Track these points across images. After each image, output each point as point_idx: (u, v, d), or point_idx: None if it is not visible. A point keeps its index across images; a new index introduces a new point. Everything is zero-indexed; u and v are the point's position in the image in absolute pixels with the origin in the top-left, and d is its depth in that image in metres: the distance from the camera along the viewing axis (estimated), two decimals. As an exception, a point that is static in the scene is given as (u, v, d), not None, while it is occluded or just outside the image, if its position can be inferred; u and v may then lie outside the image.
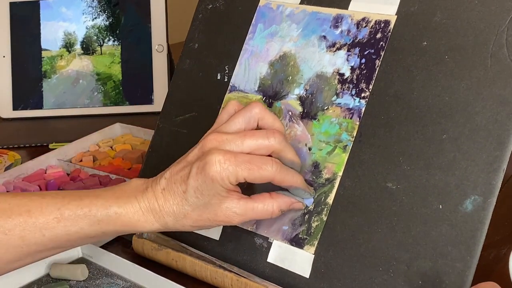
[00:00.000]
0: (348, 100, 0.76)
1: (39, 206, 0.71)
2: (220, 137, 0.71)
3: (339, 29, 0.79)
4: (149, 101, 1.35)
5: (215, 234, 0.81)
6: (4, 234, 0.70)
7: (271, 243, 0.77)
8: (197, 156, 0.72)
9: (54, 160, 1.10)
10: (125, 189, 0.74)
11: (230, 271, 0.77)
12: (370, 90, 0.75)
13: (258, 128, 0.74)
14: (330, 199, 0.74)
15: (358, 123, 0.75)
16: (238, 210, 0.71)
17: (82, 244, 0.76)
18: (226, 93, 0.86)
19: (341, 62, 0.78)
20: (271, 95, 0.82)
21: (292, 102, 0.80)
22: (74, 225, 0.71)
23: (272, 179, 0.71)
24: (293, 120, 0.79)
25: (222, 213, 0.71)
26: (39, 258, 0.74)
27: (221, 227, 0.81)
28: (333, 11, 0.80)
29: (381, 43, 0.76)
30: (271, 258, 0.77)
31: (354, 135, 0.75)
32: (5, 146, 1.23)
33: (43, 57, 1.38)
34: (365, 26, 0.78)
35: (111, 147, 1.16)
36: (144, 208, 0.72)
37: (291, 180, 0.72)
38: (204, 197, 0.70)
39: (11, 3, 1.38)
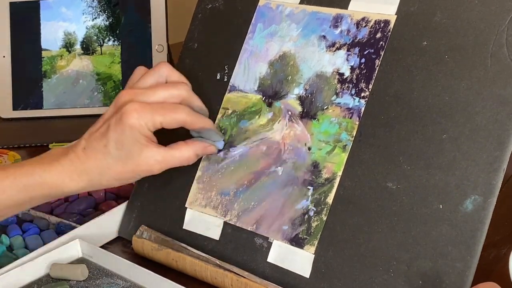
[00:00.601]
0: (348, 99, 0.76)
1: None
2: (133, 91, 0.77)
3: (339, 29, 0.79)
4: (149, 101, 1.34)
5: (215, 234, 0.81)
6: None
7: (271, 243, 0.77)
8: (112, 112, 0.77)
9: (54, 160, 1.10)
10: (47, 155, 0.78)
11: (230, 271, 0.77)
12: (370, 90, 0.75)
13: None
14: (330, 199, 0.74)
15: (357, 122, 0.75)
16: (158, 157, 0.76)
17: (12, 214, 0.80)
18: (226, 93, 0.86)
19: (341, 62, 0.78)
20: (270, 95, 0.82)
21: (291, 101, 0.80)
22: (1, 193, 0.75)
23: (185, 121, 0.77)
24: (293, 120, 0.79)
25: (144, 162, 0.76)
26: None
27: (221, 227, 0.81)
28: (333, 11, 0.80)
29: (381, 43, 0.76)
30: (271, 258, 0.77)
31: (354, 135, 0.75)
32: (5, 146, 1.23)
33: (43, 57, 1.38)
34: (364, 26, 0.78)
35: (111, 147, 1.16)
36: (68, 169, 0.76)
37: (202, 122, 0.79)
38: (125, 147, 0.75)
39: (11, 3, 1.37)
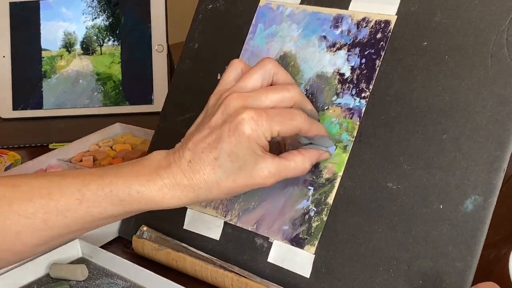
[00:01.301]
0: (349, 100, 0.76)
1: (59, 188, 0.69)
2: (243, 96, 0.70)
3: (339, 29, 0.79)
4: (149, 101, 1.35)
5: (215, 234, 0.81)
6: (27, 218, 0.68)
7: (272, 243, 0.77)
8: (223, 119, 0.69)
9: (54, 160, 1.10)
10: (146, 165, 0.71)
11: (231, 271, 0.77)
12: (371, 90, 0.75)
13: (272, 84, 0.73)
14: (331, 199, 0.75)
15: (358, 123, 0.75)
16: (272, 169, 0.69)
17: (106, 224, 0.73)
18: (226, 93, 0.86)
19: (342, 62, 0.78)
20: (271, 95, 0.82)
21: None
22: (97, 206, 0.69)
23: (301, 129, 0.71)
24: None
25: (257, 174, 0.69)
26: (65, 240, 0.73)
27: (221, 227, 0.81)
28: (333, 11, 0.80)
29: (382, 43, 0.76)
30: (272, 258, 0.77)
31: (354, 135, 0.75)
32: (5, 146, 1.23)
33: (43, 57, 1.38)
34: (365, 26, 0.78)
35: (111, 147, 1.16)
36: (169, 184, 0.69)
37: (317, 128, 0.73)
38: (239, 160, 0.68)
39: (11, 3, 1.37)
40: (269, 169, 0.69)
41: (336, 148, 0.76)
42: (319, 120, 0.77)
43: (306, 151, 0.73)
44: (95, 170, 0.72)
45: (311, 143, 0.75)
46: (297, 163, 0.72)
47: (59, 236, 0.71)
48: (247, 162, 0.68)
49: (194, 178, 0.69)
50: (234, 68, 0.74)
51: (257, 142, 0.68)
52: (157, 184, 0.69)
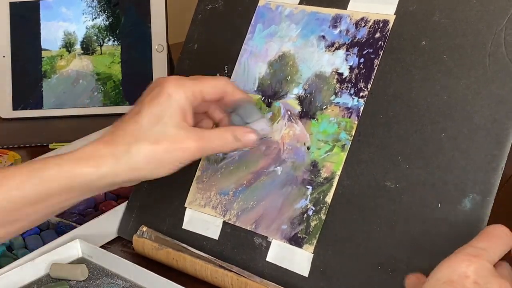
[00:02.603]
0: (347, 99, 0.77)
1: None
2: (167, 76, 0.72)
3: (338, 29, 0.79)
4: (149, 101, 1.35)
5: (214, 233, 0.81)
6: None
7: (270, 242, 0.77)
8: (149, 91, 0.71)
9: (54, 160, 1.10)
10: (69, 152, 0.70)
11: (230, 270, 0.77)
12: (369, 90, 0.75)
13: None
14: (329, 198, 0.75)
15: (356, 122, 0.75)
16: (193, 135, 0.69)
17: (29, 217, 0.70)
18: (226, 93, 0.86)
19: (340, 62, 0.78)
20: (270, 94, 0.82)
21: (291, 101, 0.80)
22: (17, 189, 0.67)
23: (225, 89, 0.72)
24: (292, 120, 0.80)
25: (179, 138, 0.69)
26: None
27: (220, 226, 0.81)
28: (332, 11, 0.81)
29: (380, 42, 0.76)
30: (270, 257, 0.77)
31: (353, 134, 0.75)
32: (5, 146, 1.23)
33: (43, 57, 1.38)
34: (364, 26, 0.78)
35: (111, 147, 1.16)
36: (89, 154, 0.68)
37: (243, 93, 0.74)
38: (160, 121, 0.68)
39: (11, 3, 1.38)
40: (190, 135, 0.69)
41: (270, 124, 0.78)
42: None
43: (231, 126, 0.74)
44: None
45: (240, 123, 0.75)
46: (220, 132, 0.72)
47: None
48: (167, 125, 0.68)
49: (114, 144, 0.68)
50: None
51: (178, 103, 0.69)
52: (75, 156, 0.68)
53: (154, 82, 0.72)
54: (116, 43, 1.37)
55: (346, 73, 0.77)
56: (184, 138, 0.69)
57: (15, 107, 1.36)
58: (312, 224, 0.75)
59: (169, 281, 0.75)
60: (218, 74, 0.87)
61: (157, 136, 0.68)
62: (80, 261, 0.84)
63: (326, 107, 0.78)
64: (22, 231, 0.74)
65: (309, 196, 0.76)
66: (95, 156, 0.68)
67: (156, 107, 0.69)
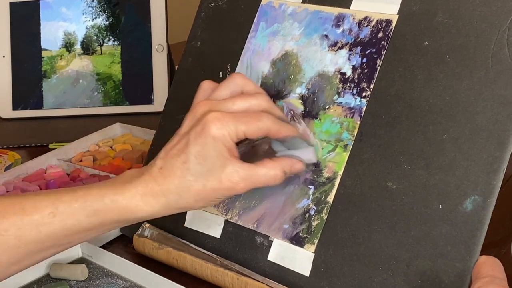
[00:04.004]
0: (349, 99, 0.77)
1: (33, 203, 0.69)
2: (210, 102, 0.71)
3: (341, 28, 0.79)
4: (149, 101, 1.35)
5: (216, 232, 0.81)
6: (0, 235, 0.68)
7: (272, 241, 0.77)
8: (191, 125, 0.71)
9: (54, 160, 1.11)
10: (120, 178, 0.72)
11: (231, 269, 0.77)
12: (371, 90, 0.75)
13: None
14: (331, 198, 0.75)
15: (359, 122, 0.75)
16: (242, 173, 0.69)
17: (81, 241, 0.73)
18: (228, 92, 0.86)
19: (343, 61, 0.78)
20: (273, 94, 0.82)
21: (294, 101, 0.80)
22: (71, 218, 0.69)
23: (269, 130, 0.71)
24: (295, 119, 0.80)
25: (227, 178, 0.69)
26: (38, 259, 0.72)
27: (222, 225, 0.81)
28: (335, 10, 0.81)
29: (383, 42, 0.76)
30: (272, 256, 0.77)
31: (355, 134, 0.75)
32: (5, 146, 1.23)
33: (43, 57, 1.38)
34: (366, 26, 0.78)
35: (111, 147, 1.16)
36: (142, 191, 0.70)
37: (287, 129, 0.73)
38: (207, 162, 0.69)
39: (11, 3, 1.38)
40: (238, 173, 0.69)
41: (315, 152, 0.76)
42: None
43: (278, 158, 0.73)
44: (68, 188, 0.73)
45: (286, 153, 0.75)
46: (268, 169, 0.71)
47: (33, 254, 0.70)
48: (215, 165, 0.69)
49: (164, 183, 0.70)
50: (203, 89, 0.76)
51: (224, 143, 0.68)
52: (130, 192, 0.70)
53: (194, 111, 0.72)
54: (116, 43, 1.37)
55: (348, 72, 0.77)
56: (231, 178, 0.69)
57: (15, 107, 1.36)
58: (314, 223, 0.75)
59: (169, 280, 0.75)
60: (221, 73, 0.87)
61: (205, 177, 0.69)
62: (80, 261, 0.84)
63: (329, 107, 0.78)
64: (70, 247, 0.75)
65: (311, 195, 0.76)
66: (148, 195, 0.70)
67: (201, 147, 0.69)
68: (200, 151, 0.68)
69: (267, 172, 0.71)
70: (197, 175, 0.69)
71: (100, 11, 1.37)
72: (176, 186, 0.69)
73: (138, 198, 0.69)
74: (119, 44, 1.37)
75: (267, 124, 0.71)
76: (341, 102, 0.77)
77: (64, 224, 0.69)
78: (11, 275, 0.72)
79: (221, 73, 0.87)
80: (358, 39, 0.78)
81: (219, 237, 0.81)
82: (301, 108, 0.80)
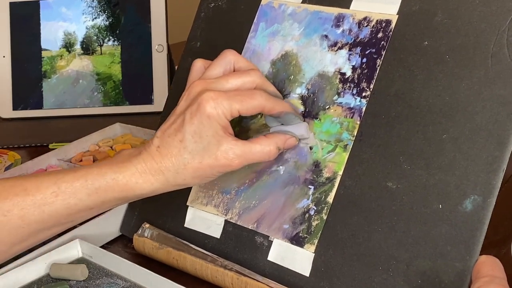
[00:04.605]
0: (349, 99, 0.77)
1: (35, 184, 0.71)
2: (205, 81, 0.74)
3: (341, 29, 0.79)
4: (149, 101, 1.35)
5: (216, 232, 0.81)
6: (3, 216, 0.70)
7: (272, 241, 0.77)
8: (186, 104, 0.73)
9: (54, 160, 1.10)
10: (118, 158, 0.74)
11: (231, 269, 0.77)
12: (371, 90, 0.75)
13: None
14: (331, 198, 0.75)
15: (359, 122, 0.75)
16: (237, 150, 0.72)
17: (82, 219, 0.76)
18: (227, 92, 0.86)
19: (343, 62, 0.78)
20: (272, 94, 0.82)
21: (294, 101, 0.80)
22: (73, 197, 0.71)
23: (263, 107, 0.73)
24: (294, 119, 0.80)
25: (222, 155, 0.71)
26: (41, 238, 0.74)
27: (222, 225, 0.81)
28: (335, 10, 0.81)
29: (382, 42, 0.76)
30: (272, 256, 0.77)
31: (355, 135, 0.75)
32: (5, 146, 1.23)
33: (43, 57, 1.38)
34: (366, 26, 0.78)
35: (111, 147, 1.16)
36: (141, 169, 0.72)
37: (280, 106, 0.75)
38: (203, 140, 0.71)
39: (11, 3, 1.38)
40: (234, 151, 0.72)
41: (307, 127, 0.78)
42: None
43: (271, 135, 0.75)
44: (69, 169, 0.75)
45: (279, 129, 0.77)
46: (262, 145, 0.73)
47: (36, 232, 0.72)
48: (210, 143, 0.71)
49: (162, 161, 0.72)
50: (195, 69, 0.78)
51: (218, 122, 0.71)
52: (130, 170, 0.72)
53: (189, 91, 0.74)
54: (116, 43, 1.37)
55: (348, 73, 0.77)
56: (226, 155, 0.72)
57: (15, 107, 1.36)
58: (314, 224, 0.75)
59: (169, 281, 0.75)
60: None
61: (201, 154, 0.72)
62: (80, 261, 0.83)
63: (329, 107, 0.78)
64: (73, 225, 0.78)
65: (311, 196, 0.76)
66: (147, 172, 0.72)
67: (197, 126, 0.71)
68: (196, 130, 0.71)
69: (261, 148, 0.73)
70: (193, 153, 0.71)
71: (100, 11, 1.37)
72: (174, 163, 0.72)
73: (138, 176, 0.72)
74: (119, 44, 1.37)
75: (261, 102, 0.73)
76: (341, 102, 0.77)
77: (66, 203, 0.71)
78: (13, 255, 0.74)
79: (220, 73, 0.87)
80: (358, 39, 0.78)
81: (219, 237, 0.81)
82: (301, 108, 0.80)
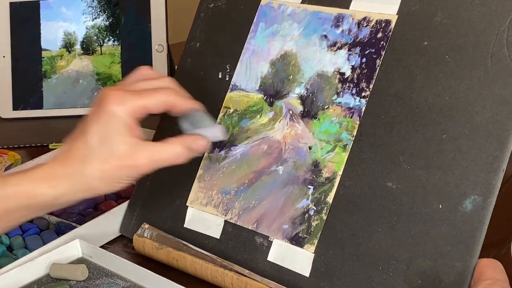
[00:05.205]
0: (349, 99, 0.77)
1: None
2: (113, 86, 0.73)
3: (340, 29, 0.80)
4: (149, 101, 1.35)
5: (215, 232, 0.81)
6: None
7: (272, 242, 0.77)
8: (93, 107, 0.71)
9: (54, 160, 1.10)
10: (30, 168, 0.72)
11: (231, 269, 0.77)
12: (371, 90, 0.75)
13: None
14: (330, 198, 0.75)
15: (358, 122, 0.75)
16: (143, 150, 0.70)
17: None
18: (227, 92, 0.86)
19: (342, 62, 0.78)
20: (272, 94, 0.82)
21: (293, 101, 0.81)
22: None
23: (171, 103, 0.72)
24: (294, 119, 0.80)
25: (128, 155, 0.70)
26: None
27: (222, 226, 0.81)
28: (334, 11, 0.81)
29: (382, 42, 0.76)
30: (271, 257, 0.77)
31: (354, 134, 0.75)
32: (5, 146, 1.23)
33: (43, 57, 1.38)
34: (366, 26, 0.78)
35: (111, 147, 1.16)
36: (46, 175, 0.70)
37: (190, 103, 0.74)
38: (108, 139, 0.69)
39: (11, 3, 1.37)
40: (140, 151, 0.70)
41: (223, 130, 0.78)
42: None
43: (180, 136, 0.74)
44: None
45: (192, 131, 0.75)
46: (169, 144, 0.72)
47: None
48: (116, 142, 0.69)
49: (68, 165, 0.70)
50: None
51: (123, 120, 0.69)
52: (33, 176, 0.70)
53: (97, 96, 0.72)
54: (116, 43, 1.37)
55: (348, 73, 0.77)
56: (133, 155, 0.70)
57: (15, 107, 1.36)
58: (313, 224, 0.75)
59: (169, 281, 0.75)
60: (220, 73, 0.87)
61: (106, 155, 0.70)
62: (80, 261, 0.83)
63: (328, 107, 0.78)
64: None
65: (310, 196, 0.76)
66: (51, 177, 0.70)
67: (101, 126, 0.69)
68: (100, 128, 0.69)
69: (168, 148, 0.72)
70: (98, 154, 0.69)
71: (100, 11, 1.37)
72: (79, 166, 0.70)
73: (41, 181, 0.70)
74: (119, 44, 1.37)
75: (169, 97, 0.72)
76: (340, 102, 0.77)
77: None
78: None
79: (220, 73, 0.87)
80: (358, 39, 0.78)
81: (218, 238, 0.81)
82: (300, 108, 0.80)
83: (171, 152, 0.72)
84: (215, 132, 0.76)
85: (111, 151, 0.69)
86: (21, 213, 0.72)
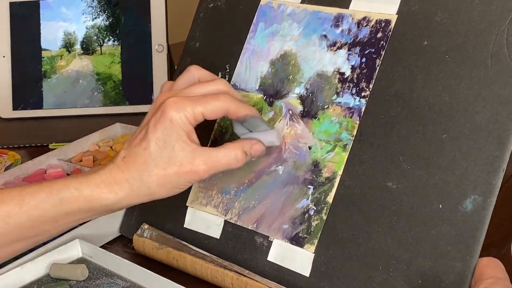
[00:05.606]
0: (349, 99, 0.77)
1: (1, 196, 0.71)
2: (170, 92, 0.74)
3: (340, 28, 0.79)
4: (149, 101, 1.34)
5: (215, 232, 0.81)
6: None
7: (272, 241, 0.77)
8: (151, 114, 0.73)
9: (54, 160, 1.10)
10: (86, 172, 0.75)
11: (231, 270, 0.77)
12: (371, 90, 0.75)
13: None
14: (330, 198, 0.75)
15: (358, 122, 0.75)
16: (201, 155, 0.71)
17: (47, 234, 0.74)
18: (227, 92, 0.86)
19: (342, 61, 0.78)
20: (271, 94, 0.82)
21: (292, 101, 0.80)
22: (37, 208, 0.71)
23: (228, 109, 0.72)
24: (294, 119, 0.80)
25: (187, 162, 0.71)
26: (5, 254, 0.74)
27: (221, 226, 0.81)
28: (334, 10, 0.81)
29: (382, 42, 0.76)
30: (271, 257, 0.77)
31: (354, 134, 0.75)
32: (5, 146, 1.23)
33: (43, 57, 1.38)
34: (365, 26, 0.78)
35: (111, 147, 1.16)
36: (106, 179, 0.71)
37: (246, 109, 0.74)
38: (167, 146, 0.70)
39: (11, 3, 1.37)
40: (198, 156, 0.71)
41: (278, 135, 0.77)
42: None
43: (236, 140, 0.75)
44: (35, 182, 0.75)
45: (248, 136, 0.76)
46: (227, 149, 0.73)
47: (1, 246, 0.72)
48: (174, 149, 0.71)
49: (127, 170, 0.72)
50: (163, 89, 0.78)
51: (182, 127, 0.70)
52: (94, 181, 0.71)
53: (155, 103, 0.74)
54: (116, 43, 1.37)
55: (348, 72, 0.77)
56: (192, 161, 0.71)
57: (15, 107, 1.36)
58: (314, 224, 0.75)
59: (169, 281, 0.75)
60: (220, 73, 0.87)
61: (166, 161, 0.71)
62: (80, 261, 0.83)
63: (328, 107, 0.78)
64: (40, 243, 0.78)
65: (310, 196, 0.76)
66: (112, 183, 0.72)
67: (161, 132, 0.71)
68: (160, 136, 0.71)
69: (227, 153, 0.73)
70: (158, 160, 0.71)
71: (100, 11, 1.37)
72: (139, 172, 0.71)
73: (102, 186, 0.71)
74: (119, 44, 1.37)
75: (225, 103, 0.72)
76: (340, 102, 0.77)
77: (29, 214, 0.71)
78: None
79: (220, 73, 0.87)
80: (357, 39, 0.78)
81: (218, 238, 0.81)
82: (300, 108, 0.80)
83: (230, 157, 0.73)
84: (271, 137, 0.77)
85: (170, 157, 0.71)
86: (80, 216, 0.73)
